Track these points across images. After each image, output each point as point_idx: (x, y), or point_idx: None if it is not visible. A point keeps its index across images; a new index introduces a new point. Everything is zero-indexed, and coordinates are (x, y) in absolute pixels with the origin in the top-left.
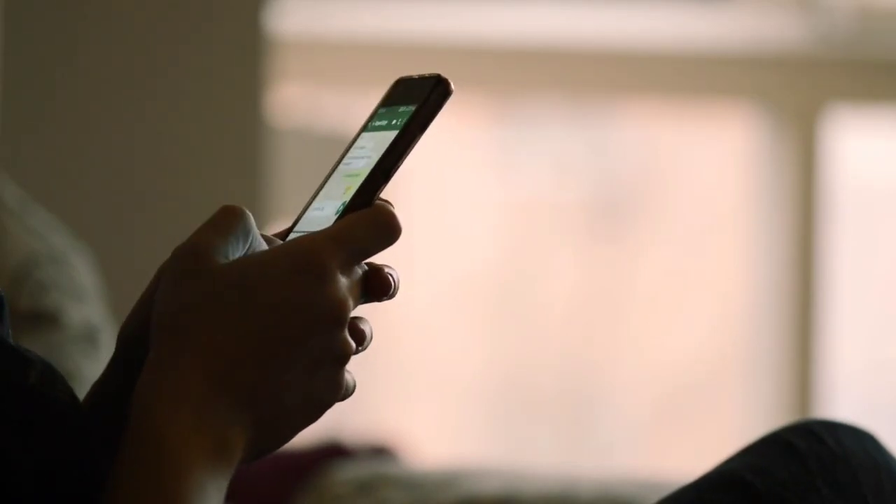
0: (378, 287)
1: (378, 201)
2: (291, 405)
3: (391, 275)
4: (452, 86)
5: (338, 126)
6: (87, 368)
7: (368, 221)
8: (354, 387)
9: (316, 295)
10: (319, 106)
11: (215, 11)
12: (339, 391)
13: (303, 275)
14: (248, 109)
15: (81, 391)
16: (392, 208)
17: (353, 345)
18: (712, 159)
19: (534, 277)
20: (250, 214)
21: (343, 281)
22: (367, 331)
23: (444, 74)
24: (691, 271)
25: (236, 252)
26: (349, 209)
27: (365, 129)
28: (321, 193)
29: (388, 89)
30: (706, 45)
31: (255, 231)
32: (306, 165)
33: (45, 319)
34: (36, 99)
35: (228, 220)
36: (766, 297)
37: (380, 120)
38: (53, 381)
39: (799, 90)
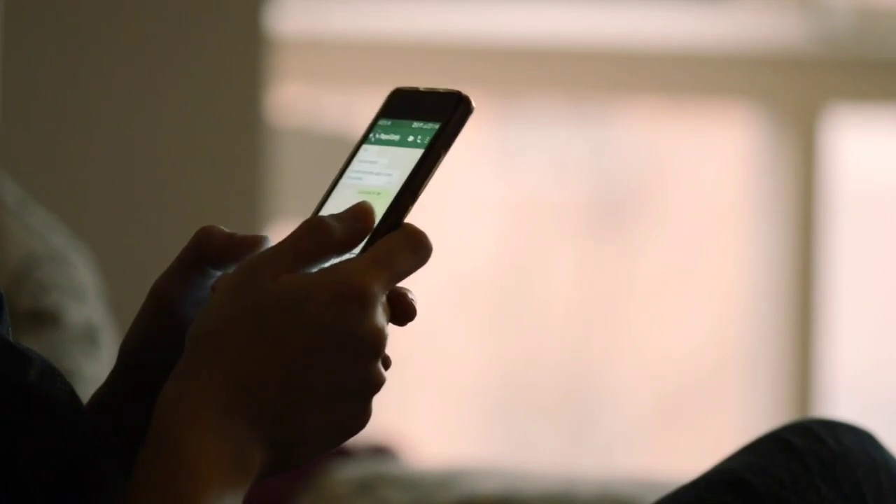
0: (403, 314)
1: (407, 222)
2: (314, 430)
3: (413, 299)
4: (474, 103)
5: (338, 126)
6: (88, 367)
7: (405, 244)
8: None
9: (358, 323)
10: (319, 106)
11: (215, 11)
12: (365, 421)
13: (347, 301)
14: (248, 109)
15: (82, 390)
16: (420, 228)
17: (385, 376)
18: (712, 159)
19: (534, 277)
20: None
21: (381, 310)
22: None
23: (464, 91)
24: (691, 271)
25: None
26: (379, 231)
27: (367, 140)
28: (327, 206)
29: (386, 100)
30: (706, 45)
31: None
32: (306, 165)
33: (46, 319)
34: (35, 98)
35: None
36: (766, 297)
37: (386, 133)
38: (53, 378)
39: (799, 90)
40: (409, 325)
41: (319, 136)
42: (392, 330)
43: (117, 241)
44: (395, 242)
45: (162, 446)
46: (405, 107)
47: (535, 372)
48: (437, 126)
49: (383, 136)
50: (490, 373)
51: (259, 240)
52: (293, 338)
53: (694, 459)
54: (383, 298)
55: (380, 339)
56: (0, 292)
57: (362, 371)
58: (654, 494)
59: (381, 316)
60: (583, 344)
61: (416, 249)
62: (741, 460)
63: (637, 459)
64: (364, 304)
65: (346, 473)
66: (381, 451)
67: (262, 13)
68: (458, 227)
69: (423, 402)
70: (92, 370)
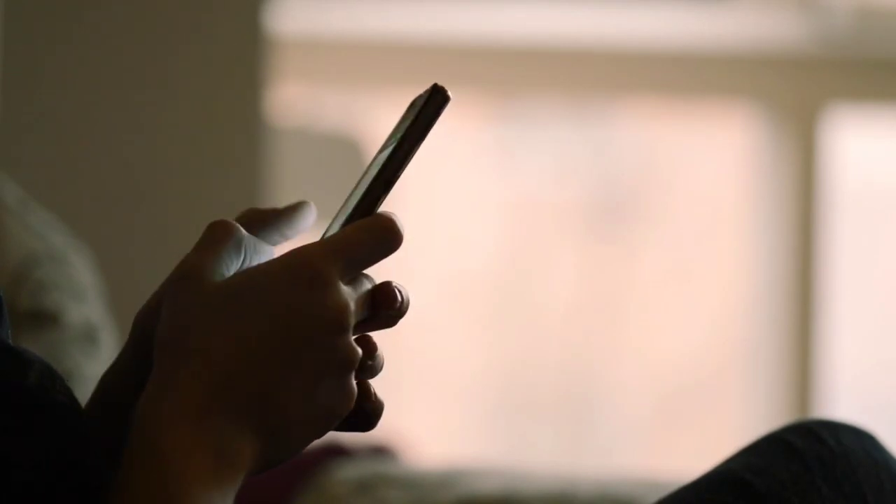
0: (384, 299)
1: (379, 211)
2: (296, 414)
3: (398, 289)
4: (449, 92)
5: (338, 126)
6: (87, 367)
7: (367, 228)
8: (382, 407)
9: (312, 301)
10: (319, 106)
11: (215, 11)
12: (349, 399)
13: (297, 282)
14: (248, 109)
15: (81, 390)
16: (393, 216)
17: (360, 351)
18: (712, 159)
19: (534, 277)
20: (239, 227)
21: (344, 288)
22: (380, 353)
23: (441, 83)
24: (691, 271)
25: (231, 268)
26: (350, 220)
27: (380, 152)
28: (338, 215)
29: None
30: (706, 45)
31: (248, 241)
32: (306, 165)
33: (46, 319)
34: (35, 99)
35: (216, 239)
36: (766, 297)
37: (390, 139)
38: (52, 381)
39: (799, 90)
40: (410, 325)
41: (319, 136)
42: (393, 330)
43: (117, 241)
44: (358, 227)
45: (141, 455)
46: (407, 111)
47: (535, 372)
48: (411, 118)
49: (387, 143)
50: (490, 373)
51: (301, 205)
52: (253, 326)
53: (694, 459)
54: (363, 286)
55: (342, 314)
56: (0, 295)
57: (331, 347)
58: (654, 494)
59: (341, 293)
60: (583, 344)
61: (380, 235)
62: (742, 461)
63: (637, 459)
64: (319, 284)
65: (346, 473)
66: (380, 451)
67: (262, 13)
68: (459, 227)
69: (423, 402)
70: (91, 370)
